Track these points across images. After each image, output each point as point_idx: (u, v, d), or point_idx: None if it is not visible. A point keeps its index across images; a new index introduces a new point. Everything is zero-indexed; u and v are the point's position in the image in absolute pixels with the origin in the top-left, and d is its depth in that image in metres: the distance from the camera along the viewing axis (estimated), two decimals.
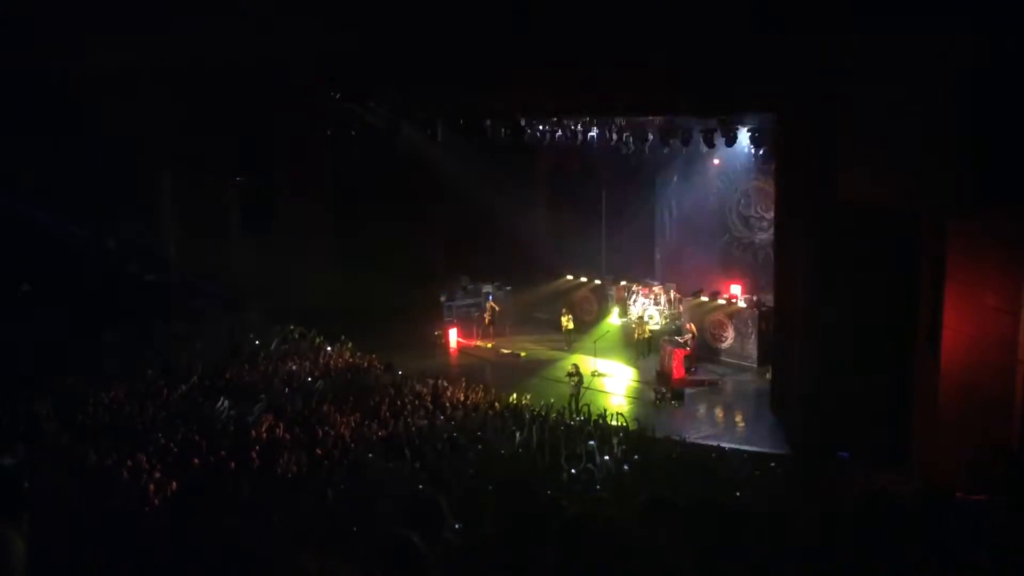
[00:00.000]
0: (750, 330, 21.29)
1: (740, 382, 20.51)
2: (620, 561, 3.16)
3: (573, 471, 11.87)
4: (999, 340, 11.42)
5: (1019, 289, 11.04)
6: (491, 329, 24.04)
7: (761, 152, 19.90)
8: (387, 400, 15.59)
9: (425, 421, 14.66)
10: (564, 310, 23.27)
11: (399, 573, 3.18)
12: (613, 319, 23.79)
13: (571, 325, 23.15)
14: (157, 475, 10.01)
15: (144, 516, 7.85)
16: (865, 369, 14.65)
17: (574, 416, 16.83)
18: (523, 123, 21.46)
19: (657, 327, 22.70)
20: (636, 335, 22.22)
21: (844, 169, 13.96)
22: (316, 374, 17.46)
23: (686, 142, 19.82)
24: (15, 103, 18.57)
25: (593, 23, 15.69)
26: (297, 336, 20.47)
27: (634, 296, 23.62)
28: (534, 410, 16.53)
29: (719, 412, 19.02)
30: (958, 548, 6.57)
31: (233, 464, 10.97)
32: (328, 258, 23.81)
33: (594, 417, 16.37)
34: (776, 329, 18.72)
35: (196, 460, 11.10)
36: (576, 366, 19.31)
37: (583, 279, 25.21)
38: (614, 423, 16.20)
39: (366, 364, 18.97)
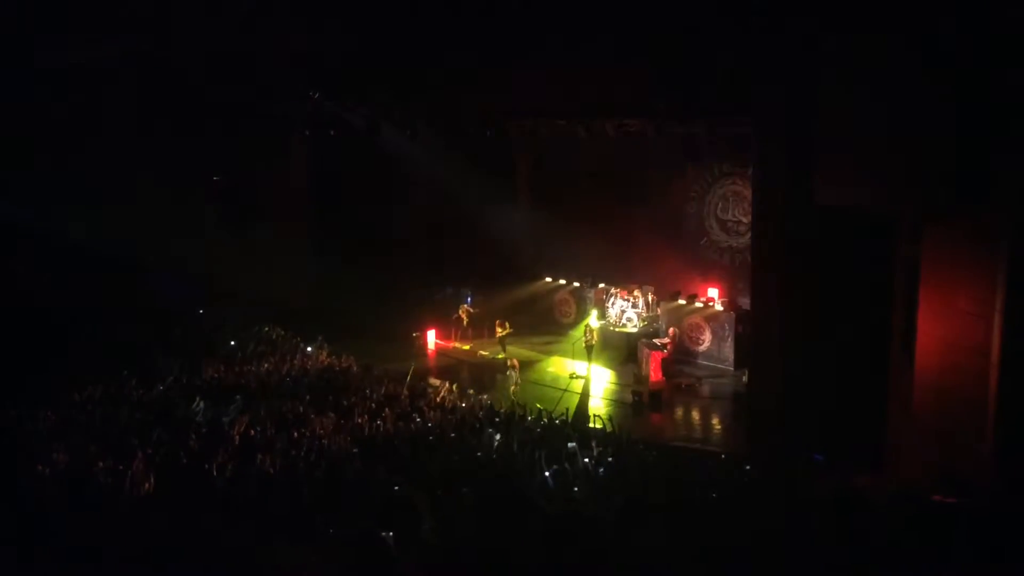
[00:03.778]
0: (727, 333, 21.40)
1: (717, 385, 20.61)
2: (598, 560, 3.17)
3: (548, 473, 11.86)
4: (973, 344, 11.52)
5: (993, 293, 11.14)
6: (469, 331, 24.02)
7: (739, 156, 20.01)
8: (364, 401, 15.52)
9: (402, 422, 14.61)
10: (499, 319, 23.10)
11: (372, 569, 3.17)
12: (592, 322, 23.84)
13: (504, 332, 22.81)
14: (131, 475, 9.90)
15: (119, 515, 7.77)
16: (840, 372, 14.73)
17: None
18: (503, 125, 21.46)
19: (635, 330, 22.77)
20: (585, 341, 21.78)
21: (820, 172, 14.05)
22: (293, 375, 17.36)
23: (665, 146, 19.90)
24: None
25: (571, 27, 15.72)
26: (274, 336, 20.34)
27: (612, 299, 23.67)
28: (512, 411, 16.51)
29: (696, 415, 19.11)
30: (930, 550, 6.62)
31: (208, 464, 10.89)
32: (306, 258, 23.72)
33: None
34: (752, 332, 18.80)
35: (171, 460, 11.01)
36: (512, 360, 19.79)
37: (562, 281, 25.28)
38: (592, 425, 16.21)
39: (343, 365, 18.88)
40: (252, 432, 12.75)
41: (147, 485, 9.69)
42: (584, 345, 21.66)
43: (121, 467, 10.28)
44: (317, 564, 3.25)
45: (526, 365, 21.75)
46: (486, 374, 21.08)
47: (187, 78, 19.08)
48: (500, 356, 22.48)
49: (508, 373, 19.59)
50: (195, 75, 18.97)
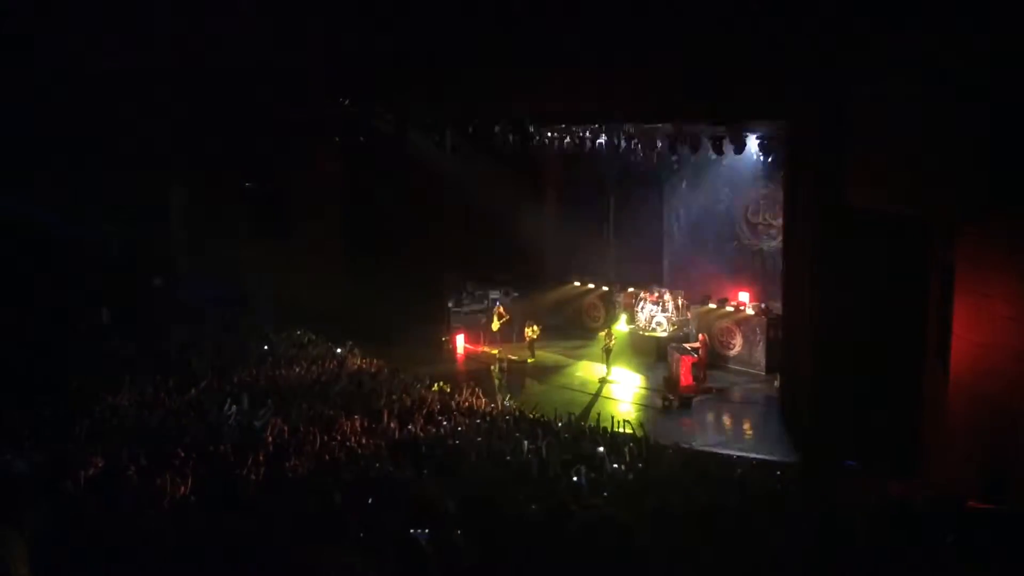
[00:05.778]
0: (758, 337, 21.24)
1: (748, 389, 20.46)
2: (629, 564, 3.16)
3: (576, 478, 11.83)
4: (1009, 349, 11.35)
5: None
6: (498, 335, 24.03)
7: (769, 159, 19.84)
8: (394, 405, 15.59)
9: (432, 427, 14.65)
10: (529, 321, 23.15)
11: (406, 571, 3.19)
12: (621, 326, 23.76)
13: (534, 335, 22.83)
14: (166, 478, 10.01)
15: (155, 518, 7.87)
16: (874, 377, 14.59)
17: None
18: (531, 129, 21.45)
19: (664, 334, 22.67)
20: (604, 345, 21.54)
21: (852, 175, 13.92)
22: (323, 379, 17.47)
23: (695, 149, 19.78)
24: (25, 105, 18.67)
25: (601, 28, 15.70)
26: (305, 341, 20.49)
27: (642, 303, 23.58)
28: (541, 416, 16.52)
29: (727, 419, 18.99)
30: (967, 556, 6.54)
31: (241, 467, 10.98)
32: (336, 263, 23.87)
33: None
34: (784, 337, 18.67)
35: (204, 463, 11.11)
36: (504, 355, 20.19)
37: (591, 285, 25.23)
38: (621, 430, 16.17)
39: (373, 369, 18.97)
40: (283, 435, 12.85)
41: (183, 488, 9.79)
42: (602, 349, 21.61)
43: (156, 471, 10.40)
44: (349, 566, 3.27)
45: (554, 369, 21.74)
46: (515, 378, 21.09)
47: (219, 86, 19.30)
48: (530, 360, 22.48)
49: (495, 369, 19.86)
50: (227, 83, 19.18)
